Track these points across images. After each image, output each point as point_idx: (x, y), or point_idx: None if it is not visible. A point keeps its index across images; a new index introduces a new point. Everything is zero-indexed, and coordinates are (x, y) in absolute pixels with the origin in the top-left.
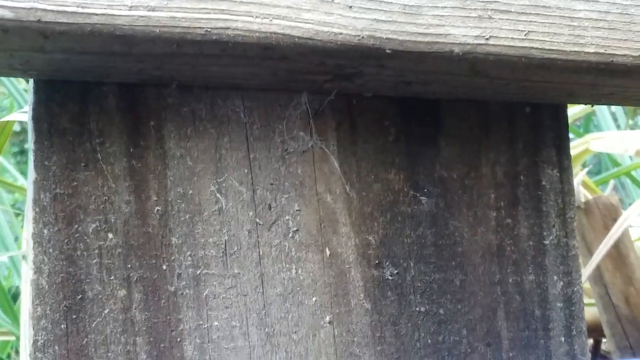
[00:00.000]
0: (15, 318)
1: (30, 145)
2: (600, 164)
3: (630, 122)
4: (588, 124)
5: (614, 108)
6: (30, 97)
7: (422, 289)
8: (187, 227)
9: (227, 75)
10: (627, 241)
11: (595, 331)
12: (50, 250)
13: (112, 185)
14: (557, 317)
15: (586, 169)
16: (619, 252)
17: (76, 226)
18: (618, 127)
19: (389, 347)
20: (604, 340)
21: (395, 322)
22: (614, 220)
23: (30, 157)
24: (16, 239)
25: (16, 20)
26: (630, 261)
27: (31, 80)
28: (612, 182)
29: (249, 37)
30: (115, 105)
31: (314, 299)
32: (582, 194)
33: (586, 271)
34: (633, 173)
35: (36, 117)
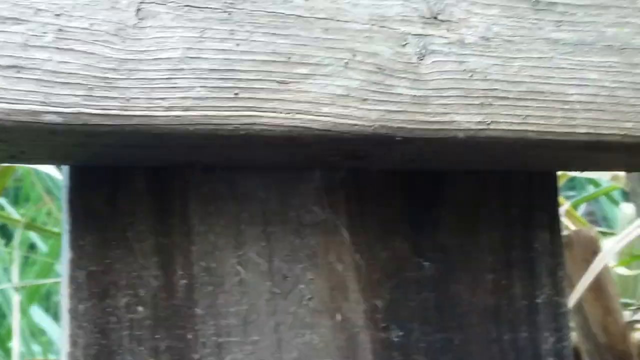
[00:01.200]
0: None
1: (64, 226)
2: (575, 188)
3: None
4: None
5: None
6: (64, 181)
7: (425, 348)
8: (210, 299)
9: (248, 159)
10: (606, 273)
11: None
12: (85, 324)
13: (141, 261)
14: None
15: (571, 201)
16: (598, 285)
17: (109, 301)
18: None
19: None
20: None
21: None
22: (594, 253)
23: (66, 237)
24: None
25: (64, 125)
26: (609, 292)
27: (65, 167)
28: (584, 205)
29: (273, 131)
30: (143, 187)
31: None
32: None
33: (569, 302)
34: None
35: (71, 201)
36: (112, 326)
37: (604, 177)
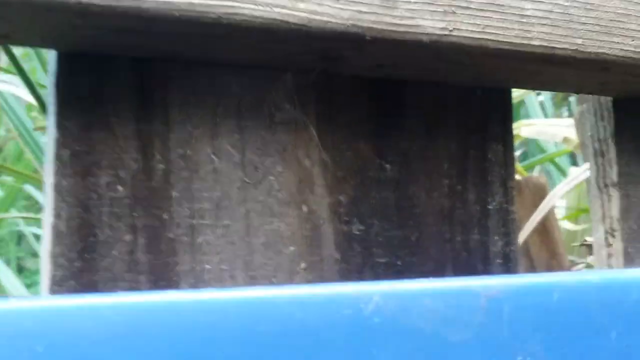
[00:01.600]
0: None
1: (51, 108)
2: (527, 151)
3: (557, 111)
4: (518, 112)
5: (542, 98)
6: (52, 66)
7: (383, 243)
8: (185, 183)
9: (226, 54)
10: (553, 219)
11: None
12: (68, 199)
13: (122, 144)
14: (496, 271)
15: (517, 154)
16: (545, 229)
17: (91, 179)
18: (546, 115)
19: None
20: None
21: (360, 270)
22: (542, 199)
23: (52, 119)
24: None
25: (60, 3)
26: (555, 237)
27: (52, 53)
28: (537, 168)
29: (252, 22)
30: (126, 76)
31: (291, 248)
32: None
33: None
34: (557, 160)
35: (58, 85)
36: (93, 202)
37: (556, 139)
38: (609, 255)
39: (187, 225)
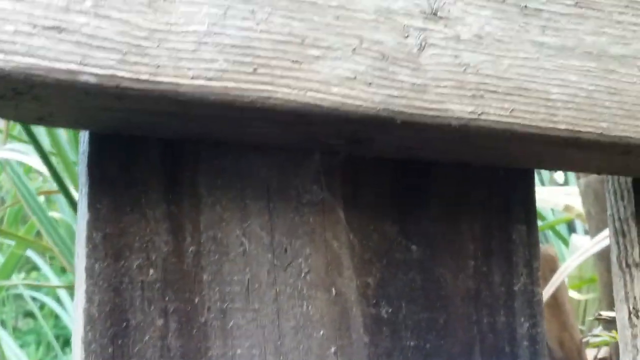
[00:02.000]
0: None
1: (82, 190)
2: None
3: (552, 176)
4: None
5: None
6: (83, 147)
7: (412, 326)
8: (216, 266)
9: (256, 135)
10: (563, 290)
11: None
12: (100, 283)
13: (153, 227)
14: (523, 354)
15: None
16: (555, 301)
17: (123, 262)
18: (541, 180)
19: None
20: None
21: (389, 354)
22: (552, 271)
23: (83, 200)
24: None
25: (98, 85)
26: (566, 309)
27: (84, 133)
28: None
29: (286, 106)
30: (157, 158)
31: (321, 332)
32: None
33: None
34: (557, 227)
35: (90, 165)
36: (125, 286)
37: (557, 207)
38: (634, 336)
39: (217, 309)
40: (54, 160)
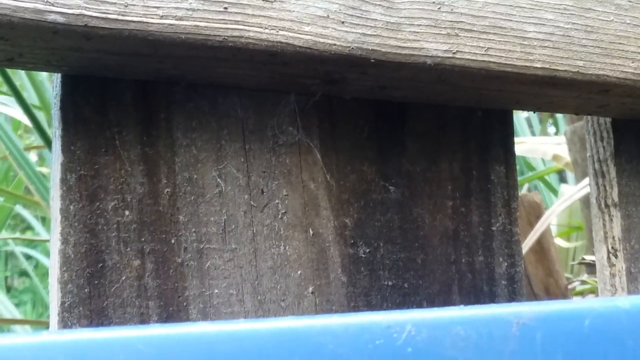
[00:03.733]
0: None
1: (56, 132)
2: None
3: (543, 127)
4: None
5: (528, 114)
6: (56, 89)
7: (389, 266)
8: (192, 207)
9: (230, 76)
10: (549, 236)
11: None
12: (76, 224)
13: (128, 168)
14: (501, 292)
15: None
16: (541, 247)
17: (98, 203)
18: (532, 132)
19: None
20: None
21: (367, 293)
22: (537, 217)
23: (57, 142)
24: None
25: (66, 24)
26: (551, 255)
27: (57, 75)
28: (526, 186)
29: (258, 45)
30: (131, 99)
31: (299, 272)
32: None
33: None
34: (546, 178)
35: (63, 108)
36: (100, 227)
37: (546, 157)
38: (612, 275)
39: (194, 249)
40: (41, 115)
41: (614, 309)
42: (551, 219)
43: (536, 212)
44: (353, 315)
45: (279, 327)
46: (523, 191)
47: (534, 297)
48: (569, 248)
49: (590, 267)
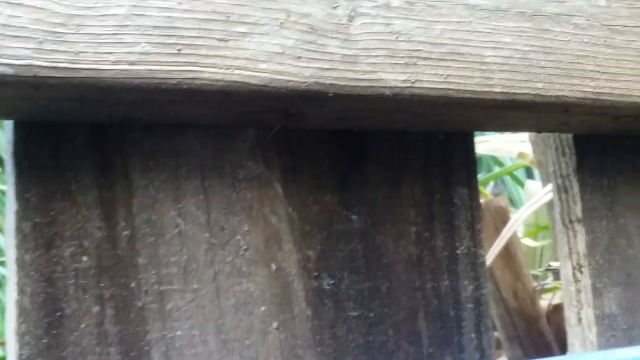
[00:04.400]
0: None
1: (9, 179)
2: (482, 165)
3: None
4: None
5: None
6: (9, 135)
7: (354, 296)
8: (151, 249)
9: (186, 116)
10: (515, 240)
11: None
12: (32, 273)
13: (85, 213)
14: (468, 316)
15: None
16: (508, 251)
17: (54, 251)
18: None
19: (327, 348)
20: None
21: (332, 325)
22: (504, 222)
23: (11, 190)
24: None
25: (14, 75)
26: (518, 259)
27: (9, 121)
28: (492, 182)
29: (213, 86)
30: (85, 143)
31: (262, 308)
32: None
33: None
34: (514, 172)
35: (16, 154)
36: (58, 275)
37: (511, 155)
38: (578, 291)
39: (155, 292)
40: None
41: None
42: (517, 224)
43: (502, 217)
44: None
45: None
46: (490, 187)
47: (502, 302)
48: (537, 247)
49: (557, 274)
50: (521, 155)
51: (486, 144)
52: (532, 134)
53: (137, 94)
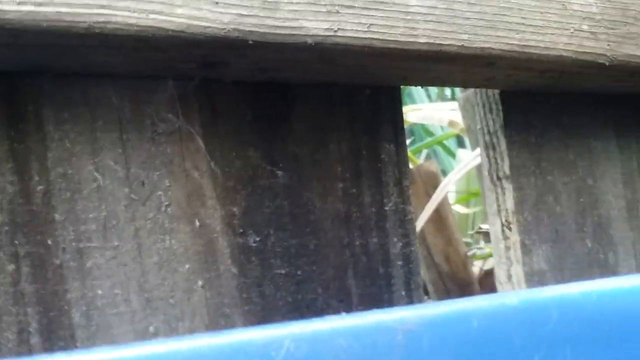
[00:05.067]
0: None
1: None
2: (414, 134)
3: (440, 93)
4: (403, 97)
5: None
6: None
7: (281, 253)
8: (68, 205)
9: (101, 64)
10: (447, 205)
11: None
12: None
13: None
14: (397, 274)
15: (410, 149)
16: (439, 216)
17: None
18: (429, 98)
19: (255, 306)
20: (426, 297)
21: (259, 284)
22: (435, 187)
23: None
24: None
25: None
26: (450, 223)
27: None
28: (424, 152)
29: (127, 31)
30: None
31: (187, 266)
32: None
33: None
34: (445, 142)
35: None
36: None
37: (442, 123)
38: (507, 248)
39: (74, 249)
40: None
41: (502, 307)
42: (448, 188)
43: (433, 182)
44: (225, 335)
45: (148, 353)
46: (422, 157)
47: (434, 267)
48: (468, 214)
49: (487, 236)
50: (452, 123)
51: (417, 112)
52: (462, 99)
53: (46, 38)
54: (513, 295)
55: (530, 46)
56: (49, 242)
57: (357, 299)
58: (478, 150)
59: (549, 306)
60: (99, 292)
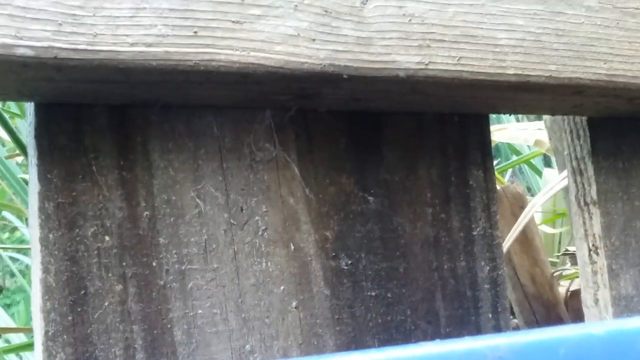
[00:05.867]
0: None
1: (31, 160)
2: (499, 152)
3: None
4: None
5: None
6: (30, 117)
7: (372, 276)
8: (172, 229)
9: (204, 97)
10: (533, 226)
11: None
12: (56, 252)
13: (106, 194)
14: (485, 297)
15: (496, 168)
16: (525, 237)
17: (77, 230)
18: (517, 118)
19: (346, 327)
20: (512, 318)
21: (350, 305)
22: (521, 207)
23: (33, 171)
24: None
25: (35, 57)
26: (536, 244)
27: (30, 104)
28: (510, 171)
29: (229, 67)
30: (106, 124)
31: (282, 287)
32: None
33: None
34: (532, 161)
35: (38, 136)
36: (81, 254)
37: (528, 143)
38: (594, 273)
39: (176, 271)
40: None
41: (588, 337)
42: (535, 209)
43: (519, 202)
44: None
45: None
46: (508, 175)
47: (520, 287)
48: (555, 234)
49: (574, 257)
50: (538, 142)
51: (503, 132)
52: (548, 120)
53: (155, 76)
54: (600, 325)
55: (618, 75)
56: (154, 264)
57: (445, 321)
58: (565, 173)
59: (636, 337)
60: (199, 311)
